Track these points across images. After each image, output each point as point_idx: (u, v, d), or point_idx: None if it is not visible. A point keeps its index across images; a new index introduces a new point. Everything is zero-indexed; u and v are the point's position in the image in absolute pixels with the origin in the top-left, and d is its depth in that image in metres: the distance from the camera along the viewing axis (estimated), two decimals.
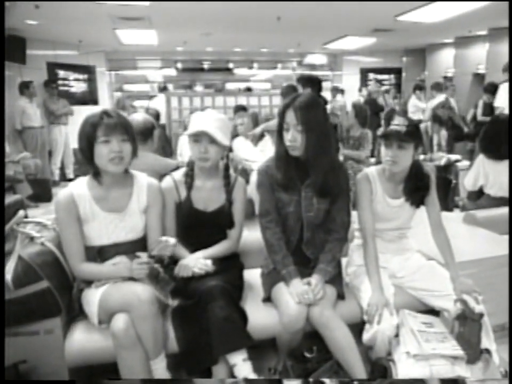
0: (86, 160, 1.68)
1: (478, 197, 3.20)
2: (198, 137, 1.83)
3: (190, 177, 1.93)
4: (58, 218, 1.70)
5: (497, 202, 2.98)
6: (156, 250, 1.66)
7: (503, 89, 5.17)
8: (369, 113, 4.52)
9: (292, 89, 4.07)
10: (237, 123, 4.24)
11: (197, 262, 1.80)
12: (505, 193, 2.96)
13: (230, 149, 1.95)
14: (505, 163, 2.96)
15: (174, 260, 1.89)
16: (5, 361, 1.53)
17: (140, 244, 1.77)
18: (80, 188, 1.71)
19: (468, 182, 3.24)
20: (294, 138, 1.71)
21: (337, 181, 1.83)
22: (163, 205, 1.86)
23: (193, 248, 1.90)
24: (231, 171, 2.02)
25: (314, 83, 3.74)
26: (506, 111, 4.77)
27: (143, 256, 1.68)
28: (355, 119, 4.35)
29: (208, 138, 1.81)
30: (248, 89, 9.26)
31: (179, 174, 1.96)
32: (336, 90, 8.63)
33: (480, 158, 3.13)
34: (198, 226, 1.91)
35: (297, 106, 1.70)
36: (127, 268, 1.65)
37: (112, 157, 1.63)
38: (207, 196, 1.92)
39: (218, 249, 1.92)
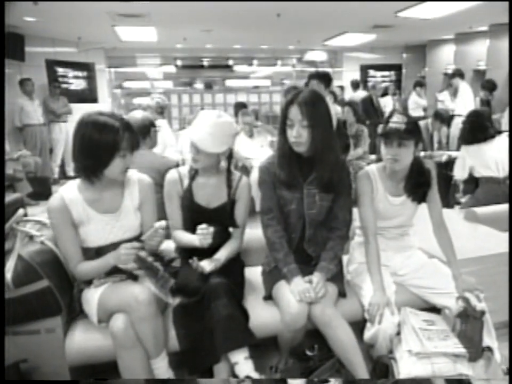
0: (90, 166, 1.61)
1: (473, 190, 3.28)
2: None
3: (194, 171, 1.93)
4: (52, 224, 1.68)
5: (491, 186, 3.11)
6: (146, 236, 1.63)
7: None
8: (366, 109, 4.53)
9: (295, 90, 4.09)
10: (241, 122, 4.28)
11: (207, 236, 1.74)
12: (495, 173, 3.13)
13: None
14: (488, 144, 3.14)
15: (174, 258, 1.89)
16: (6, 360, 1.53)
17: None
18: (71, 192, 1.67)
19: (457, 171, 3.37)
20: (299, 134, 1.69)
21: (341, 178, 1.82)
22: (155, 200, 1.84)
23: None
24: (232, 168, 2.00)
25: (324, 78, 3.76)
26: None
27: (142, 254, 1.66)
28: (353, 117, 4.35)
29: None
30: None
31: (184, 168, 1.97)
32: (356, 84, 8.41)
33: (463, 148, 3.34)
34: (200, 223, 1.90)
35: (301, 101, 1.68)
36: (113, 257, 1.60)
37: (125, 169, 1.66)
38: (210, 193, 1.92)
39: (227, 251, 1.90)
